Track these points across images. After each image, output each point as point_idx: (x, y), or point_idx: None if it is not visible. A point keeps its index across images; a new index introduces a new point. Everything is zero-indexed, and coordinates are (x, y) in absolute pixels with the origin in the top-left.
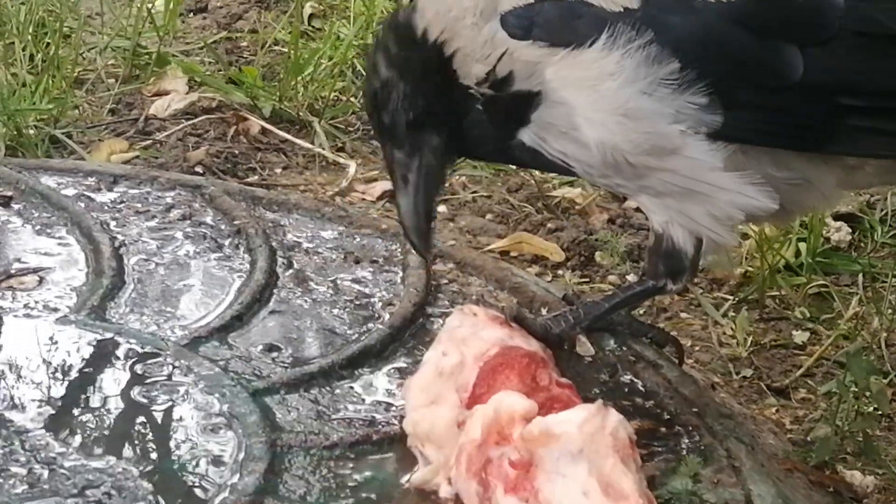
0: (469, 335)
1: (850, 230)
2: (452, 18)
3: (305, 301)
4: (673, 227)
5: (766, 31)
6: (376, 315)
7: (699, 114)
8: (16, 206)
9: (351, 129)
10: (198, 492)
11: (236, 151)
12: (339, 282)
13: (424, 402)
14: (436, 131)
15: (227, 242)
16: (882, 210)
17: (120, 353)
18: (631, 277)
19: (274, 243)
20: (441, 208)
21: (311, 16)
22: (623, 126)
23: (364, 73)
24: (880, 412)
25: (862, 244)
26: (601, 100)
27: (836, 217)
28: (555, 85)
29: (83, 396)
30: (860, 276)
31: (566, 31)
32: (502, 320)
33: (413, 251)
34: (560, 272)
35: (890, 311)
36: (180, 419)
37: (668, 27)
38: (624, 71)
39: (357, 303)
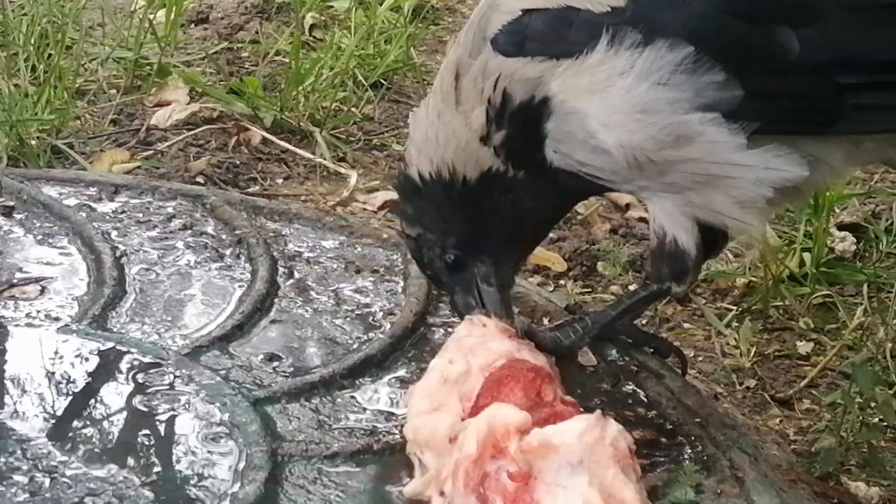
0: (477, 345)
1: (855, 240)
2: (430, 139)
3: (306, 310)
4: (676, 229)
5: (756, 15)
6: (377, 324)
7: (719, 92)
8: (18, 217)
9: (352, 139)
10: (199, 501)
11: (237, 162)
12: (340, 291)
13: (427, 408)
14: (479, 259)
15: (228, 252)
16: (887, 220)
17: (121, 362)
18: (633, 287)
19: (275, 253)
20: None
21: (312, 26)
22: (641, 123)
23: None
24: (885, 423)
25: (867, 254)
26: (615, 101)
27: (841, 227)
28: (563, 96)
29: (84, 405)
30: (865, 286)
31: (561, 41)
32: (511, 333)
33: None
34: (562, 282)
35: (895, 321)
36: (181, 428)
37: (660, 23)
38: (636, 67)
39: (358, 312)
